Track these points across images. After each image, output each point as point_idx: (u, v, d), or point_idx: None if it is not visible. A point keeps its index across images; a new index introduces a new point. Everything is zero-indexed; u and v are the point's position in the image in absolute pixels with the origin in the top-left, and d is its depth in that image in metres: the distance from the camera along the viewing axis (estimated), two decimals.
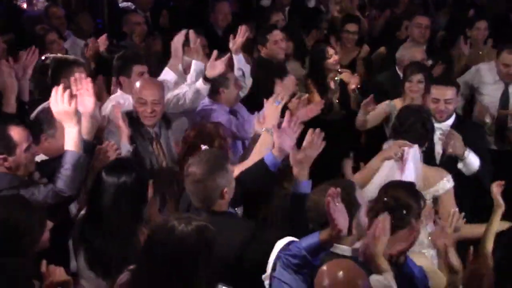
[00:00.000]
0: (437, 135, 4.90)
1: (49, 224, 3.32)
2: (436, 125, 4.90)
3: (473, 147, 4.81)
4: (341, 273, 2.70)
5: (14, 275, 3.01)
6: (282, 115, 4.31)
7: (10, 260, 3.05)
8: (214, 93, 5.34)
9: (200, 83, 5.18)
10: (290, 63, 6.85)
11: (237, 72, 5.86)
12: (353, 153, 5.28)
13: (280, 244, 3.35)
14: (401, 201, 3.59)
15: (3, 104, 4.47)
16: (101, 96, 5.53)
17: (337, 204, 3.06)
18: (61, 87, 3.89)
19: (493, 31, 7.31)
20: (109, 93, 5.80)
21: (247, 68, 5.90)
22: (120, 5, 9.02)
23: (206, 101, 5.37)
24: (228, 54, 5.44)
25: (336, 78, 6.50)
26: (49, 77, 5.06)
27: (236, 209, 3.96)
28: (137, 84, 4.85)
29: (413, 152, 4.36)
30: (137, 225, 3.56)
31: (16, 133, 3.74)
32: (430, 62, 6.41)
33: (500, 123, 6.09)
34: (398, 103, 5.63)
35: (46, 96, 5.12)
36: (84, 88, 4.09)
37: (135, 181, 3.59)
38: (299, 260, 3.05)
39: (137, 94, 4.80)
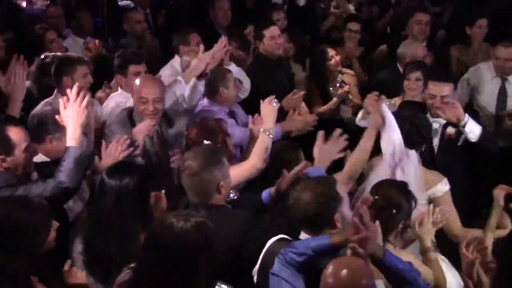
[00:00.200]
0: (434, 128, 4.91)
1: (55, 224, 3.32)
2: (432, 119, 4.92)
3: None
4: (345, 271, 2.70)
5: (12, 275, 2.99)
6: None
7: (8, 258, 3.04)
8: (213, 94, 5.33)
9: (193, 80, 5.13)
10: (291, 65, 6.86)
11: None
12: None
13: (271, 241, 3.37)
14: (391, 200, 3.57)
15: (8, 107, 4.46)
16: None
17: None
18: (75, 90, 3.90)
19: (494, 29, 7.30)
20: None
21: (241, 74, 5.89)
22: (119, 3, 9.00)
23: (205, 102, 5.37)
24: (214, 48, 5.29)
25: (338, 79, 6.47)
26: (52, 75, 5.06)
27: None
28: (137, 82, 4.83)
29: (412, 156, 4.35)
30: (138, 227, 3.51)
31: (14, 133, 3.74)
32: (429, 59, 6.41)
33: (497, 119, 6.10)
34: (398, 101, 5.62)
35: (45, 95, 5.16)
36: (72, 99, 3.98)
37: (137, 184, 3.57)
38: (305, 259, 3.05)
39: (137, 93, 4.78)
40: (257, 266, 3.38)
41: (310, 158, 4.17)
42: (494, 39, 6.84)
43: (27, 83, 5.04)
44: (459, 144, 4.93)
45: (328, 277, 2.72)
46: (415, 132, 4.43)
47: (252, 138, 4.72)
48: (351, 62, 7.14)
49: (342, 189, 3.56)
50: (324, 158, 3.99)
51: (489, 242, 3.83)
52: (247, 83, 5.94)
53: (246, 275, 3.43)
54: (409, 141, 4.40)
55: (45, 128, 4.18)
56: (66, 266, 3.22)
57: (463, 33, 7.13)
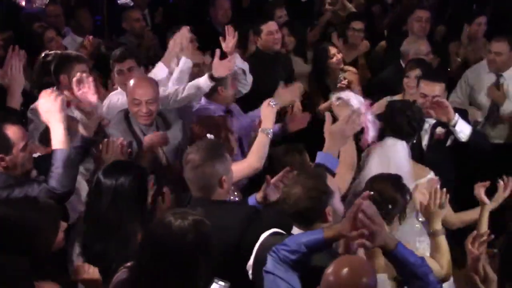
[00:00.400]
0: (424, 127, 4.94)
1: (63, 225, 3.31)
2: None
3: None
4: (346, 270, 2.68)
5: (12, 275, 2.97)
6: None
7: (8, 259, 3.02)
8: (212, 92, 5.30)
9: (204, 80, 5.11)
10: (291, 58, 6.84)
11: (238, 71, 5.82)
12: None
13: (264, 235, 3.37)
14: (386, 195, 3.58)
15: (7, 99, 4.45)
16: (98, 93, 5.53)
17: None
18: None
19: (494, 26, 7.29)
20: (107, 89, 5.79)
21: (245, 66, 5.87)
22: (119, 2, 8.99)
23: (202, 101, 5.36)
24: (235, 53, 5.40)
25: (340, 76, 6.46)
26: (52, 71, 5.05)
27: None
28: (130, 83, 4.79)
29: (402, 149, 4.38)
30: (137, 226, 3.51)
31: (12, 132, 3.73)
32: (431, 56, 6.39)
33: (490, 116, 6.14)
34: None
35: None
36: (86, 87, 4.08)
37: (133, 183, 3.57)
38: (299, 256, 3.03)
39: (131, 95, 4.74)
40: (251, 261, 3.38)
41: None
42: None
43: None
44: (447, 144, 4.94)
45: (329, 275, 2.71)
46: (406, 123, 4.47)
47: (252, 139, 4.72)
48: (358, 58, 7.13)
49: (332, 182, 3.53)
50: (337, 140, 3.88)
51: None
52: (249, 78, 5.92)
53: (243, 272, 3.43)
54: (400, 132, 4.43)
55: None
56: (78, 262, 3.24)
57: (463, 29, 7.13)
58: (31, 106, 4.86)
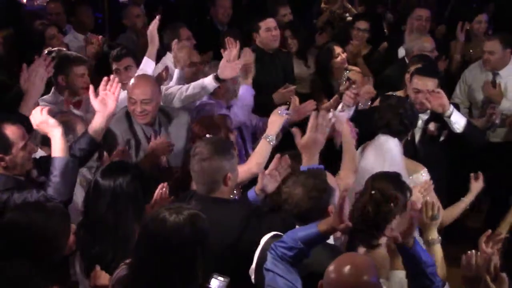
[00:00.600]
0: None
1: (73, 227, 3.32)
2: None
3: None
4: (347, 268, 2.70)
5: (14, 280, 2.97)
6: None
7: (10, 263, 3.02)
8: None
9: (209, 81, 5.10)
10: (293, 61, 6.84)
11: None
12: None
13: (265, 238, 3.38)
14: (388, 194, 3.58)
15: (21, 105, 4.40)
16: None
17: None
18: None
19: (496, 25, 7.30)
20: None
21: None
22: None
23: (204, 97, 5.32)
24: (242, 57, 5.38)
25: (343, 76, 6.47)
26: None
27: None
28: (131, 82, 4.84)
29: (394, 145, 4.40)
30: (136, 227, 3.45)
31: (11, 132, 3.72)
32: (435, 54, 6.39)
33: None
34: (401, 95, 5.61)
35: (47, 91, 5.14)
36: (112, 90, 4.07)
37: (131, 183, 3.58)
38: (296, 252, 3.03)
39: (129, 93, 4.79)
40: (253, 265, 3.39)
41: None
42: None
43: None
44: (440, 140, 4.95)
45: (331, 272, 2.73)
46: (397, 121, 4.47)
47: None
48: (356, 60, 7.13)
49: (332, 180, 3.56)
50: (313, 149, 3.86)
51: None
52: None
53: (243, 271, 3.44)
54: (391, 129, 4.44)
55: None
56: (97, 268, 3.27)
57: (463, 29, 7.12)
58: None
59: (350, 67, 6.68)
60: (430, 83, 5.00)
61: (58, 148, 3.79)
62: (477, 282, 3.13)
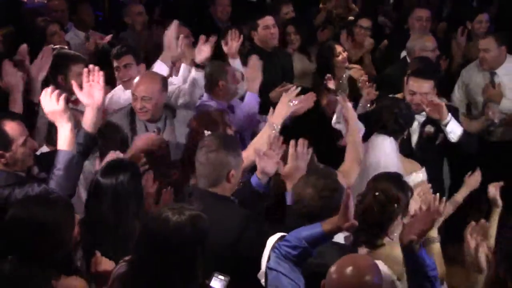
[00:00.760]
0: (413, 125, 5.00)
1: (77, 217, 3.32)
2: None
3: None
4: (349, 268, 2.71)
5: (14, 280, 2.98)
6: None
7: (10, 262, 3.03)
8: (213, 87, 5.33)
9: (193, 72, 5.15)
10: (296, 56, 6.83)
11: (238, 75, 5.82)
12: None
13: (272, 240, 3.36)
14: (391, 195, 3.59)
15: (10, 103, 4.42)
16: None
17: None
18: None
19: (497, 24, 7.30)
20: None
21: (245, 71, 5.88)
22: None
23: (204, 97, 5.36)
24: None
25: (344, 76, 6.46)
26: (48, 70, 5.05)
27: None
28: (137, 78, 4.89)
29: (389, 145, 4.43)
30: (136, 224, 3.48)
31: (11, 128, 3.71)
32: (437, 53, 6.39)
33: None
34: (401, 97, 5.61)
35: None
36: (95, 80, 3.92)
37: (131, 180, 3.59)
38: (300, 251, 3.04)
39: (132, 89, 4.85)
40: (263, 269, 3.34)
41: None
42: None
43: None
44: (437, 142, 4.95)
45: (333, 273, 2.74)
46: (392, 120, 4.49)
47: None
48: (362, 57, 7.14)
49: (342, 179, 3.56)
50: (296, 176, 3.82)
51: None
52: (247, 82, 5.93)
53: (242, 271, 3.44)
54: (386, 129, 4.46)
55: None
56: (98, 255, 3.28)
57: (464, 25, 7.13)
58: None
59: (351, 65, 6.68)
60: (425, 85, 5.03)
61: (65, 142, 3.76)
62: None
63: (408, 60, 6.29)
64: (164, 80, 4.93)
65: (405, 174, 4.29)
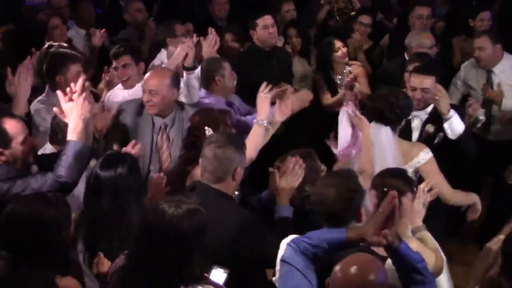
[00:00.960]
0: (414, 123, 5.02)
1: (72, 215, 3.33)
2: (414, 113, 4.98)
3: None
4: (353, 268, 2.71)
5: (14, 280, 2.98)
6: None
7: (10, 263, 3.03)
8: (210, 83, 5.32)
9: (185, 76, 5.15)
10: (296, 59, 6.83)
11: None
12: None
13: (284, 243, 3.33)
14: (399, 190, 3.59)
15: (12, 106, 4.39)
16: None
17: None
18: (80, 82, 3.86)
19: (500, 23, 7.29)
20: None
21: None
22: None
23: (202, 93, 5.34)
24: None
25: (344, 71, 6.46)
26: (44, 70, 5.04)
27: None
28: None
29: (385, 133, 4.45)
30: (137, 218, 3.46)
31: (10, 126, 3.73)
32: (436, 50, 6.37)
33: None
34: None
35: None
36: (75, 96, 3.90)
37: (130, 171, 3.60)
38: (320, 251, 3.03)
39: (142, 82, 4.91)
40: (277, 274, 3.33)
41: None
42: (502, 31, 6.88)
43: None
44: (435, 142, 4.96)
45: (337, 272, 2.74)
46: (388, 109, 4.50)
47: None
48: (357, 54, 7.12)
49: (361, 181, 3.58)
50: (289, 191, 3.93)
51: None
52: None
53: (240, 270, 3.45)
54: (382, 117, 4.48)
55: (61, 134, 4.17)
56: (100, 255, 3.30)
57: (463, 23, 7.12)
58: (34, 108, 4.91)
59: (351, 61, 6.67)
60: (426, 81, 5.01)
61: (76, 132, 3.77)
62: None
63: (406, 56, 6.29)
64: (174, 77, 4.91)
65: (410, 158, 4.42)
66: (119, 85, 5.56)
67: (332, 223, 3.32)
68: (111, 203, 3.52)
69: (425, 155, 4.53)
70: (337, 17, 8.13)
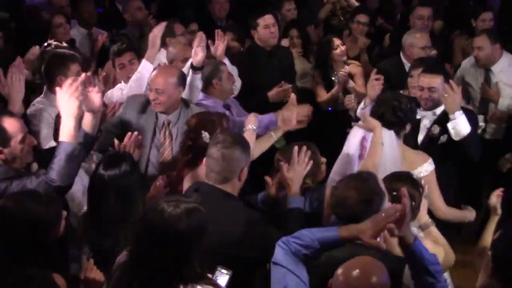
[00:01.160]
0: (423, 123, 5.00)
1: (64, 213, 3.34)
2: (422, 113, 4.99)
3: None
4: (355, 269, 2.71)
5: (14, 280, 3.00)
6: None
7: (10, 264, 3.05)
8: (207, 86, 5.30)
9: (190, 76, 5.14)
10: (296, 60, 6.83)
11: None
12: None
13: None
14: (409, 194, 3.59)
15: (9, 107, 4.40)
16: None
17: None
18: (67, 82, 3.86)
19: (500, 23, 7.29)
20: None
21: (234, 71, 5.85)
22: None
23: (200, 95, 5.32)
24: (203, 38, 5.33)
25: (343, 69, 6.45)
26: (43, 71, 5.03)
27: None
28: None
29: (387, 137, 4.40)
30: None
31: (9, 124, 3.73)
32: (434, 52, 6.35)
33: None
34: None
35: None
36: (91, 86, 3.97)
37: (132, 169, 3.64)
38: (311, 251, 3.03)
39: (149, 80, 4.93)
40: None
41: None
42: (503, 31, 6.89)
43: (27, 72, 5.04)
44: (439, 142, 4.95)
45: (339, 275, 2.74)
46: (390, 113, 4.48)
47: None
48: (360, 54, 7.13)
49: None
50: (298, 181, 3.92)
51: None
52: (238, 83, 5.92)
53: (244, 270, 3.47)
54: (384, 121, 4.44)
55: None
56: (91, 261, 3.31)
57: (462, 22, 7.11)
58: (32, 108, 4.92)
59: (349, 61, 6.68)
60: (434, 80, 4.99)
61: (67, 134, 3.75)
62: None
63: (402, 56, 6.28)
64: (181, 75, 4.92)
65: (413, 167, 4.38)
66: (118, 85, 5.56)
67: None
68: (117, 202, 3.55)
69: (428, 167, 4.49)
70: (341, 16, 8.12)
